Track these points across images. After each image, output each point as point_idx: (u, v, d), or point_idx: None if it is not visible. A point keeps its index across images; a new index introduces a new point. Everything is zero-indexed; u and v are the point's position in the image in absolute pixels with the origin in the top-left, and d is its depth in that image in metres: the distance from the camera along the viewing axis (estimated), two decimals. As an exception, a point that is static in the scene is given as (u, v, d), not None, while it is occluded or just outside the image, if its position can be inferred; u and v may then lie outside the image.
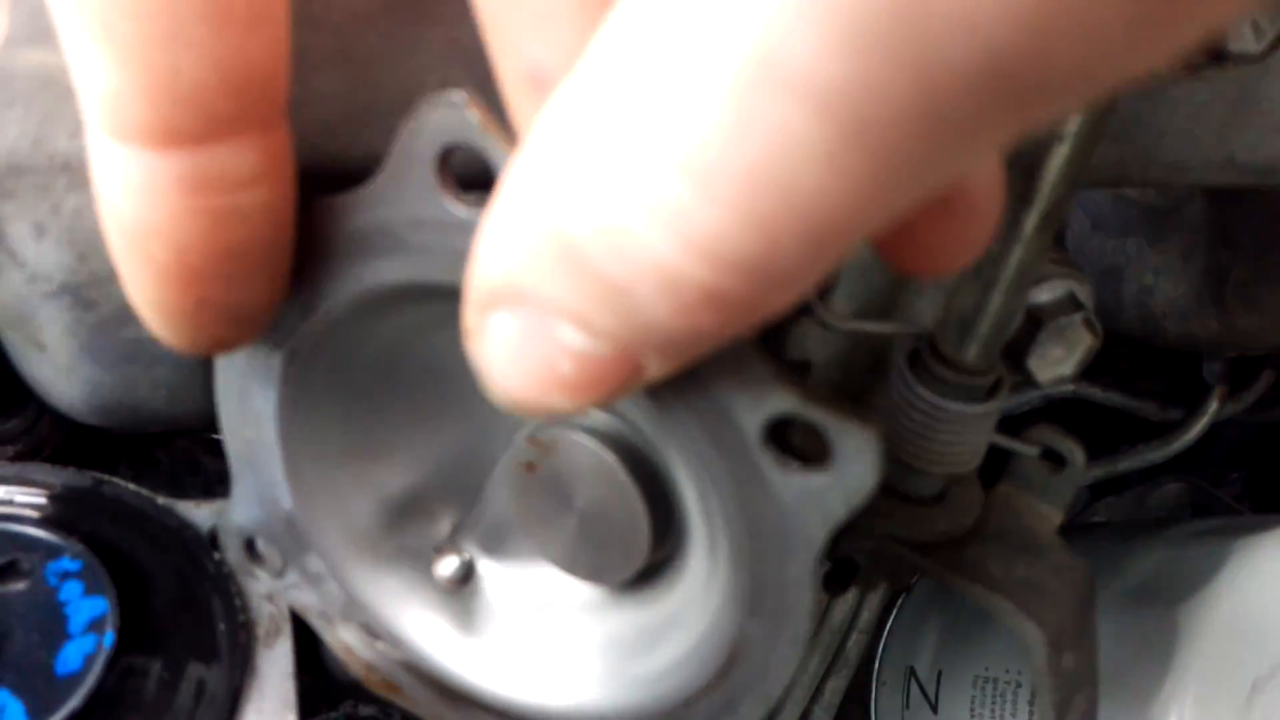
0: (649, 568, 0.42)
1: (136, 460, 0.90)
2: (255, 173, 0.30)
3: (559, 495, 0.41)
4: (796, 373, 0.42)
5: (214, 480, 0.93)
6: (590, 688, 0.44)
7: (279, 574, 0.47)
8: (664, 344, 0.24)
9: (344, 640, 0.48)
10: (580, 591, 0.45)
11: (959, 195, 0.31)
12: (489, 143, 0.30)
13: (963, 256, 0.33)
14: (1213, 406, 0.81)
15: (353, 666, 0.50)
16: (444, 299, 0.34)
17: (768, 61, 0.19)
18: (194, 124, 0.29)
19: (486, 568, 0.46)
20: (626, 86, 0.21)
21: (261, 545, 0.47)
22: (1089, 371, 0.88)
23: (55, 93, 0.41)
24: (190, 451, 0.95)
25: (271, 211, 0.32)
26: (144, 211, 0.30)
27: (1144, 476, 0.97)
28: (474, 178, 0.33)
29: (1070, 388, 0.85)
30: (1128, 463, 0.84)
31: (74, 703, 0.50)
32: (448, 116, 0.31)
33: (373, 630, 0.47)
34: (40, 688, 0.51)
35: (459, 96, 0.30)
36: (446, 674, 0.46)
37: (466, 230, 0.32)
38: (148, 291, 0.33)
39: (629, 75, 0.21)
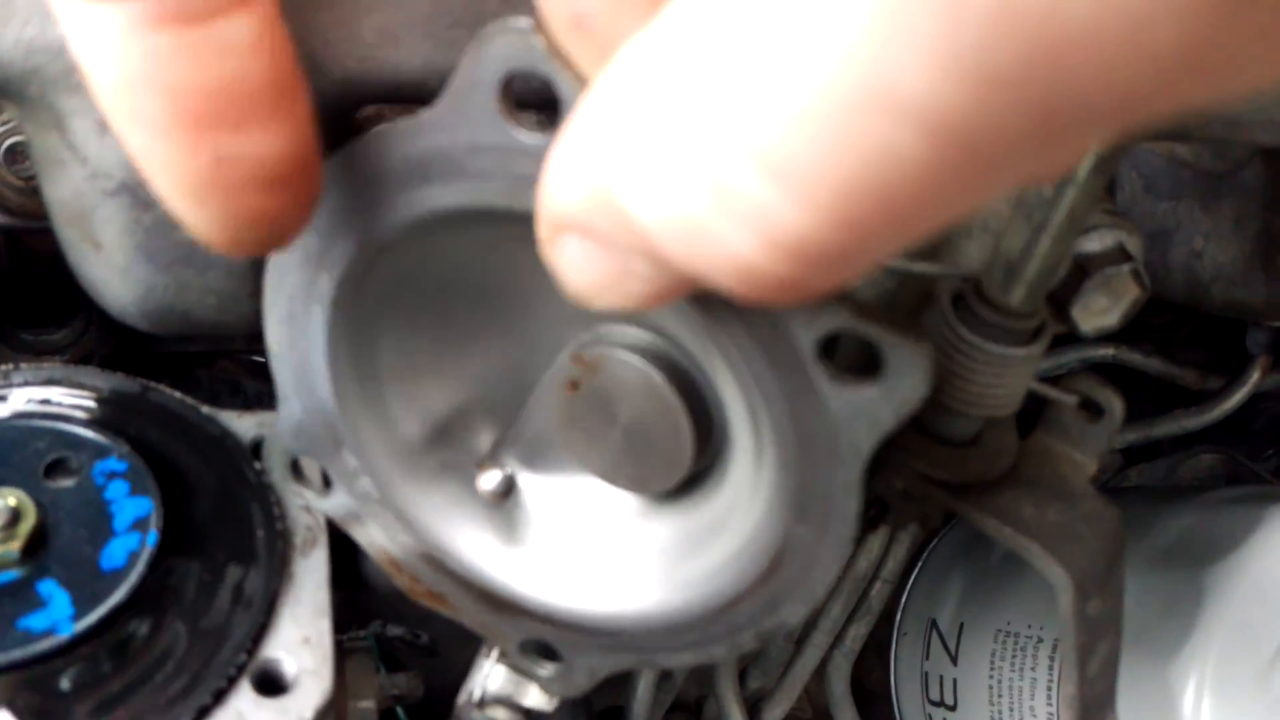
0: (690, 476, 0.43)
1: (179, 378, 0.91)
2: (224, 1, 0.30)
3: (603, 410, 0.42)
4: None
5: (254, 400, 0.94)
6: (635, 591, 0.45)
7: (323, 491, 0.49)
8: (729, 277, 0.24)
9: (388, 551, 0.49)
10: (623, 500, 0.46)
11: None
12: (555, 70, 0.30)
13: None
14: (1254, 377, 0.80)
15: (397, 579, 0.51)
16: (499, 221, 0.35)
17: (876, 84, 0.19)
18: None
19: (528, 481, 0.47)
20: (709, 68, 0.21)
21: (305, 463, 0.48)
22: (1130, 336, 0.88)
23: (125, -11, 0.42)
24: (231, 371, 0.97)
25: (257, 40, 0.31)
26: (122, 62, 0.30)
27: (1179, 445, 0.96)
28: (529, 100, 0.33)
29: (1110, 351, 0.84)
30: (1163, 428, 0.84)
31: (118, 596, 0.52)
32: (513, 43, 0.31)
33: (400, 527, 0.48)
34: (86, 581, 0.52)
35: (525, 22, 0.30)
36: (493, 583, 0.47)
37: (529, 155, 0.32)
38: (157, 158, 0.32)
39: (712, 54, 0.21)
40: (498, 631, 0.49)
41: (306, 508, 0.60)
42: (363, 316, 0.42)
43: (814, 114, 0.20)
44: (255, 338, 0.45)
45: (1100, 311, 0.45)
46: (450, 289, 0.43)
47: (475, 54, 0.32)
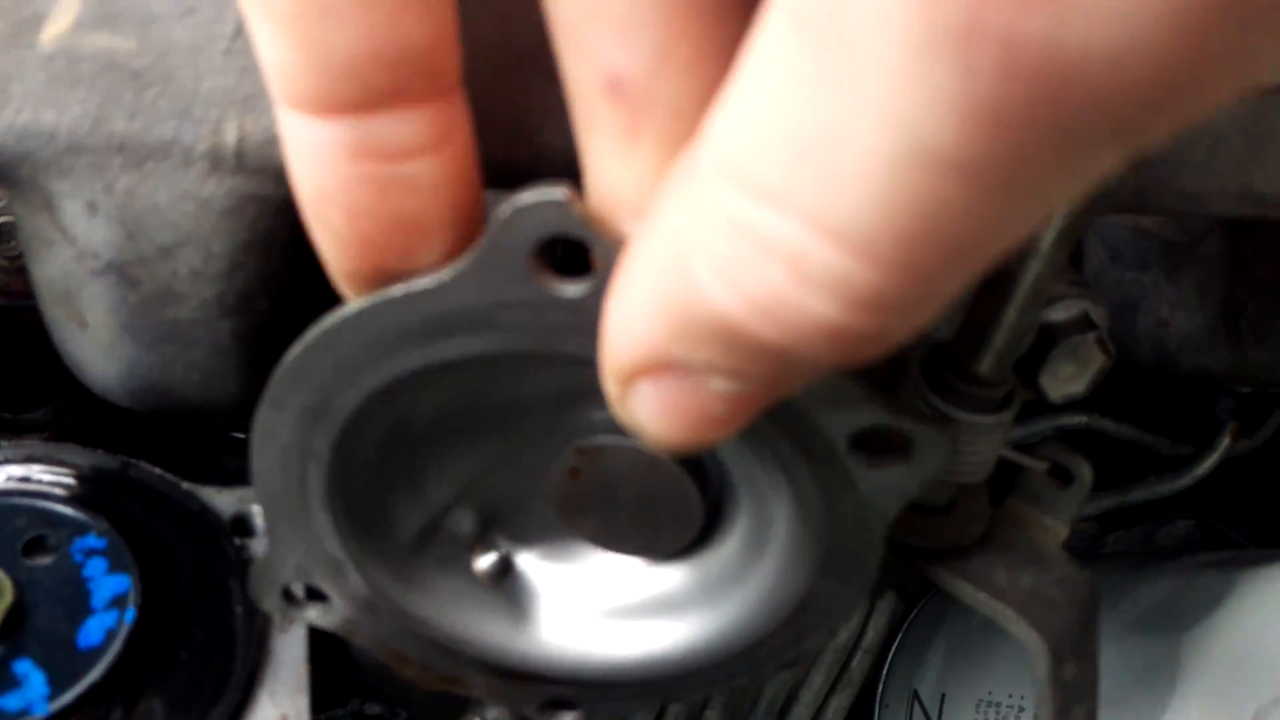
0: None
1: (158, 456, 0.91)
2: (420, 143, 0.31)
3: (605, 492, 0.43)
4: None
5: (233, 477, 0.94)
6: (653, 643, 0.46)
7: (320, 609, 0.48)
8: (811, 374, 0.26)
9: (394, 648, 0.49)
10: (625, 563, 0.47)
11: None
12: (592, 235, 0.31)
13: None
14: (1224, 443, 0.81)
15: (406, 671, 0.51)
16: (516, 360, 0.36)
17: (912, 142, 0.21)
18: (352, 94, 0.30)
19: (524, 558, 0.48)
20: (758, 161, 0.23)
21: (297, 588, 0.48)
22: (1102, 404, 0.89)
23: (117, 76, 0.43)
24: (210, 450, 0.97)
25: (443, 183, 0.33)
26: (317, 177, 0.32)
27: (1154, 512, 0.97)
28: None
29: (1083, 419, 0.85)
30: (1138, 494, 0.85)
31: (94, 675, 0.51)
32: (549, 212, 0.31)
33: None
34: (62, 660, 0.52)
35: (560, 193, 0.31)
36: (508, 659, 0.48)
37: (562, 307, 0.33)
38: (331, 258, 0.35)
39: (761, 152, 0.22)
40: (518, 699, 0.50)
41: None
42: (363, 452, 0.43)
43: (864, 177, 0.21)
44: (236, 413, 0.45)
45: (1068, 379, 0.46)
46: (449, 410, 0.43)
47: (508, 220, 0.32)
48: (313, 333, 0.37)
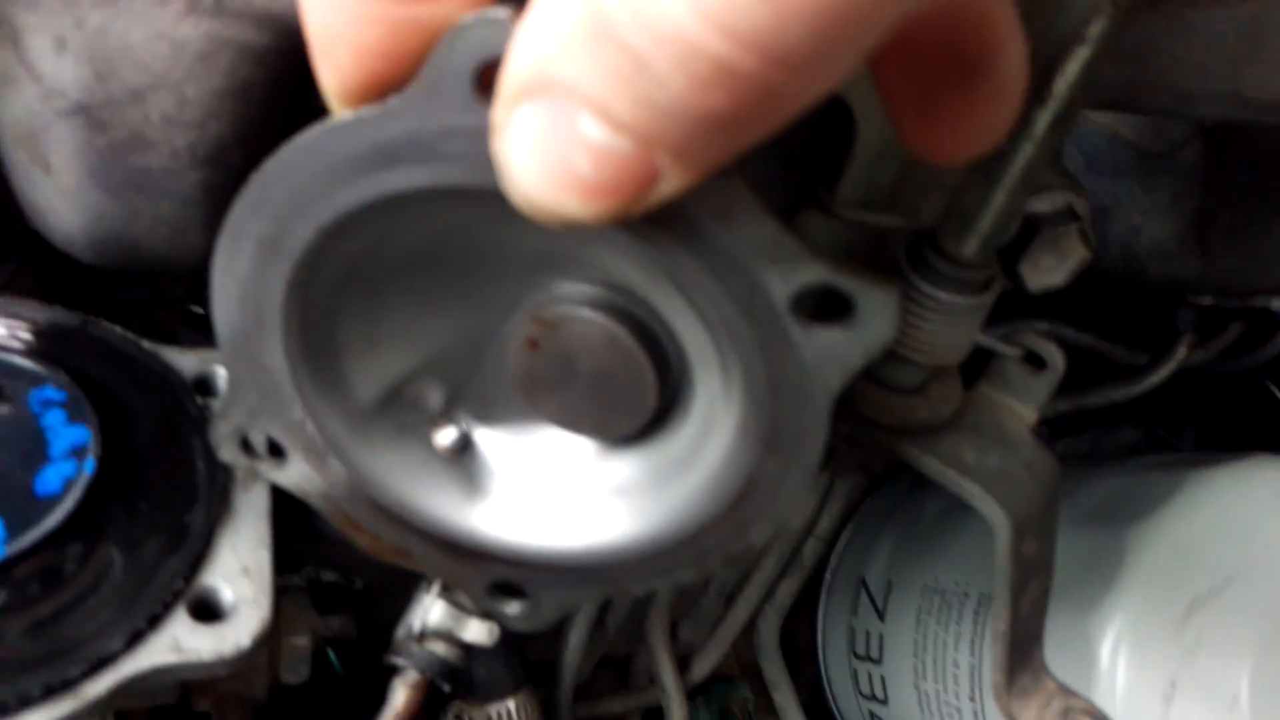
0: (652, 418, 0.44)
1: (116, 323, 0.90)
2: None
3: (563, 366, 0.43)
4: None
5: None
6: (603, 527, 0.46)
7: (277, 463, 0.48)
8: (678, 138, 0.26)
9: (346, 513, 0.49)
10: (578, 446, 0.47)
11: (985, 77, 0.32)
12: None
13: (981, 142, 0.34)
14: (1180, 353, 0.83)
15: (357, 538, 0.51)
16: (463, 197, 0.36)
17: None
18: None
19: (484, 435, 0.48)
20: None
21: (254, 437, 0.48)
22: (1064, 313, 0.90)
23: (93, -100, 0.41)
24: (168, 321, 0.95)
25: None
26: (330, 15, 0.32)
27: (1104, 420, 0.99)
28: None
29: (1045, 325, 0.87)
30: (1092, 399, 0.87)
31: (51, 521, 0.51)
32: (491, 32, 0.31)
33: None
34: (19, 505, 0.52)
35: (502, 13, 0.31)
36: (458, 534, 0.48)
37: None
38: (332, 96, 0.35)
39: None
40: (464, 578, 0.50)
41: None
42: (319, 296, 0.43)
43: None
44: (198, 283, 0.45)
45: (1048, 269, 0.47)
46: (407, 261, 0.43)
47: (450, 43, 0.32)
48: (268, 161, 0.38)
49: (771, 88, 0.24)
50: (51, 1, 0.45)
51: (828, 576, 0.95)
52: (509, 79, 0.28)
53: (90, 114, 0.48)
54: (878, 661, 0.88)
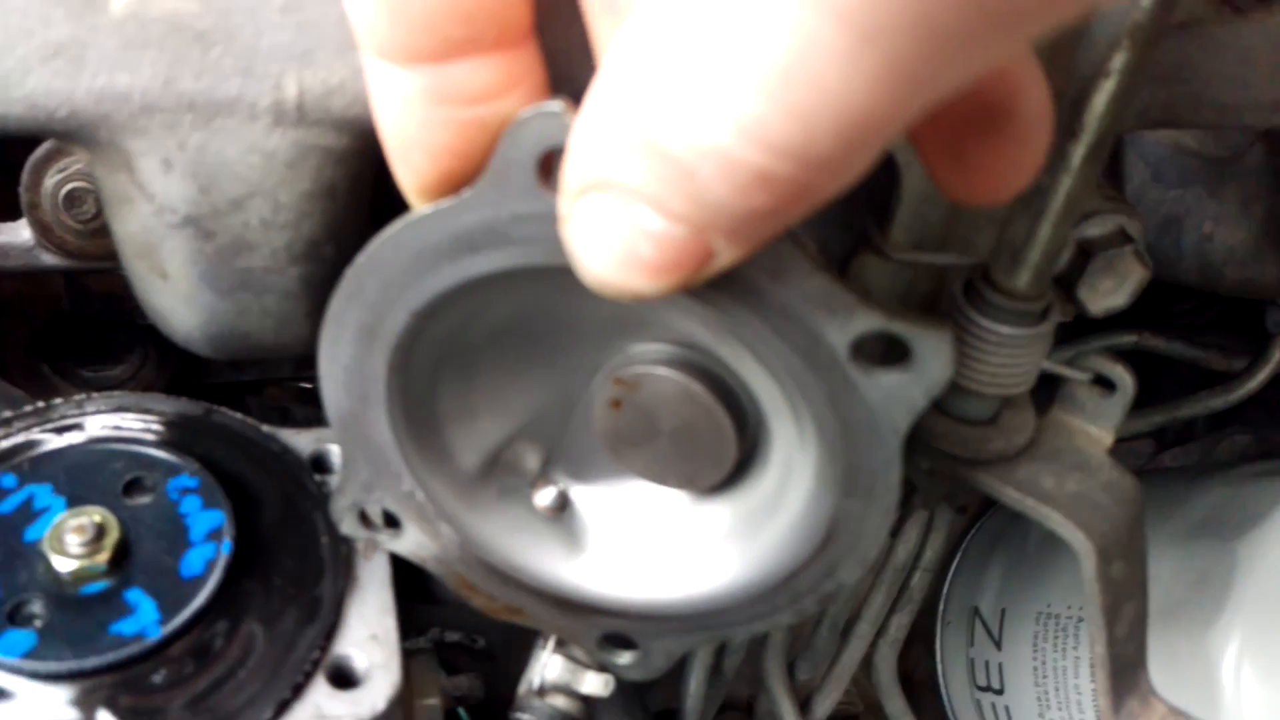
0: (735, 467, 0.46)
1: (231, 406, 0.95)
2: (494, 87, 0.35)
3: (646, 422, 0.46)
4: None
5: (302, 425, 0.98)
6: (701, 575, 0.48)
7: (394, 534, 0.52)
8: (728, 226, 0.28)
9: (463, 576, 0.52)
10: (670, 500, 0.49)
11: (1009, 122, 0.34)
12: None
13: (1015, 183, 0.36)
14: (1277, 355, 0.82)
15: (474, 599, 0.54)
16: (540, 276, 0.39)
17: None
18: (431, 44, 0.34)
19: (580, 493, 0.51)
20: (681, 19, 0.26)
21: (371, 511, 0.51)
22: (1153, 323, 0.89)
23: (185, 37, 0.46)
24: (279, 398, 1.00)
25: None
26: (400, 121, 0.35)
27: (1211, 428, 0.97)
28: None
29: (1133, 339, 0.86)
30: (1189, 409, 0.86)
31: (199, 600, 0.55)
32: (548, 124, 0.34)
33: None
34: (169, 589, 0.55)
35: (557, 105, 0.34)
36: (565, 590, 0.51)
37: None
38: (412, 194, 0.38)
39: (681, 12, 0.26)
40: (575, 632, 0.53)
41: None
42: (417, 374, 0.46)
43: (751, 13, 0.25)
44: (305, 363, 0.48)
45: (1107, 292, 0.48)
46: (493, 336, 0.46)
47: (512, 136, 0.35)
48: (360, 255, 0.41)
49: (806, 186, 0.27)
50: (156, 127, 0.49)
51: (941, 607, 0.95)
52: (571, 176, 0.30)
53: (198, 225, 0.52)
54: (1000, 692, 0.87)
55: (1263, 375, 0.83)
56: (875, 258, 0.49)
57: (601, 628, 0.52)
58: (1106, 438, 0.49)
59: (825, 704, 0.94)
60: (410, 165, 0.37)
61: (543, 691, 0.58)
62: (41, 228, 0.71)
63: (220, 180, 0.51)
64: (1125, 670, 0.49)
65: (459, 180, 0.37)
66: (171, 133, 0.50)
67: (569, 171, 0.30)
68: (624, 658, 0.53)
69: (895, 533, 0.88)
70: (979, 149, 0.35)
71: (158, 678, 0.54)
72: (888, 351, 0.37)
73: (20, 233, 0.73)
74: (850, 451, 0.40)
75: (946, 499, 0.53)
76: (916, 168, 0.46)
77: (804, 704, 0.95)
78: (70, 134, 0.52)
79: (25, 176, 0.71)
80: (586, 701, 0.59)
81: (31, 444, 0.62)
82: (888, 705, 0.94)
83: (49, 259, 0.72)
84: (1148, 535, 0.51)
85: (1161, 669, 0.54)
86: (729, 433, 0.45)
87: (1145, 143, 0.66)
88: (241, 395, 0.97)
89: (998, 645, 0.86)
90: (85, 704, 0.53)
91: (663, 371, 0.45)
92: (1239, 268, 0.68)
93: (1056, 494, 0.47)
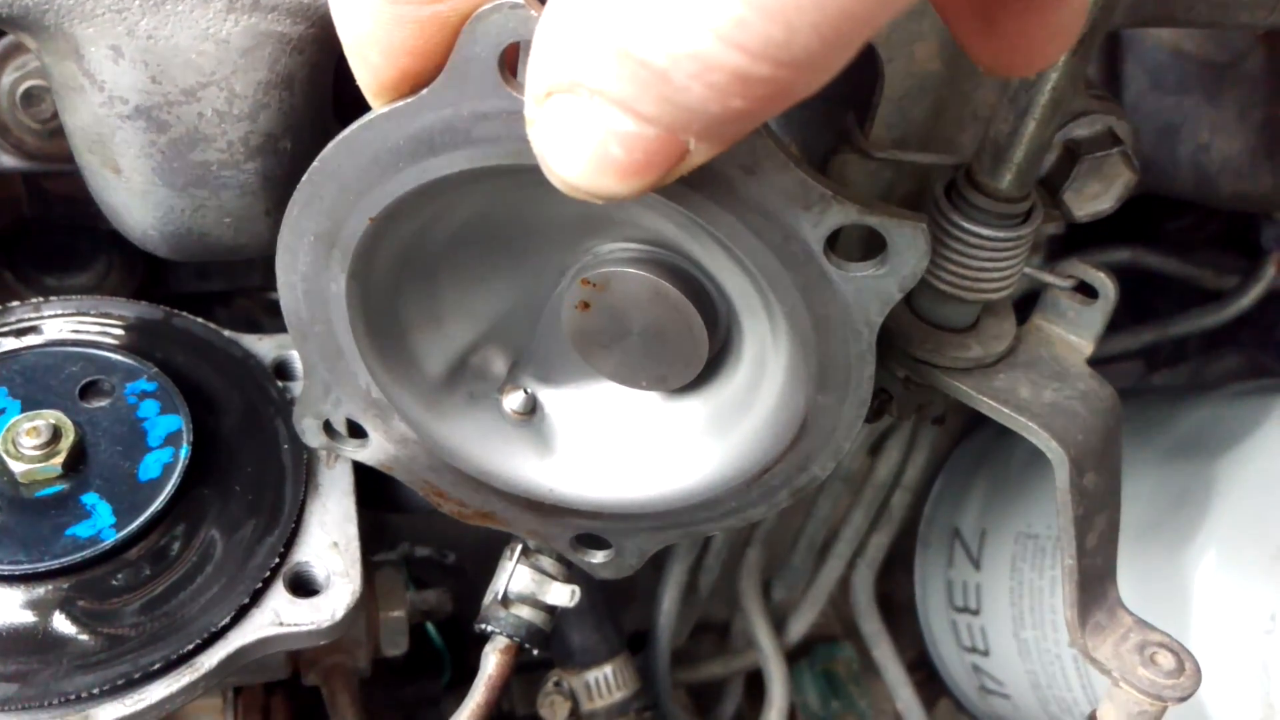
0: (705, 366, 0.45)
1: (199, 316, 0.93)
2: None
3: (615, 323, 0.45)
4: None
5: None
6: (674, 473, 0.48)
7: (359, 443, 0.51)
8: (703, 126, 0.27)
9: (431, 482, 0.51)
10: (641, 398, 0.49)
11: None
12: None
13: (1051, 50, 0.33)
14: (1269, 273, 0.80)
15: (444, 506, 0.53)
16: (503, 176, 0.37)
17: None
18: None
19: (549, 396, 0.50)
20: None
21: (334, 420, 0.50)
22: (1145, 239, 0.88)
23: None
24: (249, 309, 0.98)
25: None
26: (358, 18, 0.34)
27: (1204, 348, 0.96)
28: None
29: (1127, 254, 0.84)
30: (1181, 327, 0.84)
31: (156, 505, 0.54)
32: (511, 17, 0.33)
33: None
34: (125, 493, 0.55)
35: None
36: (537, 492, 0.50)
37: None
38: (370, 93, 0.37)
39: None
40: (549, 534, 0.52)
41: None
42: (378, 280, 0.44)
43: None
44: (271, 271, 0.47)
45: (1093, 196, 0.46)
46: (456, 240, 0.45)
47: (473, 31, 0.33)
48: (316, 161, 0.39)
49: (786, 85, 0.26)
50: (105, 12, 0.47)
51: (922, 528, 0.94)
52: (537, 78, 0.29)
53: (150, 116, 0.50)
54: (976, 612, 0.87)
55: (1255, 292, 0.82)
56: (856, 156, 0.47)
57: (575, 529, 0.52)
58: (1086, 347, 0.48)
59: (801, 625, 0.94)
60: (368, 64, 0.35)
61: (507, 602, 0.57)
62: (-1, 126, 0.69)
63: (172, 69, 0.49)
64: (1093, 582, 0.49)
65: (419, 80, 0.35)
66: (120, 18, 0.48)
67: (534, 72, 0.29)
68: (597, 557, 0.53)
69: (877, 450, 0.87)
70: (1011, 11, 0.32)
71: (114, 581, 0.53)
72: (865, 246, 0.37)
73: (-24, 132, 0.70)
74: (823, 346, 0.39)
75: (922, 409, 0.52)
76: (900, 62, 0.44)
77: (781, 625, 0.95)
78: (15, 20, 0.49)
79: (-21, 73, 0.68)
80: (552, 613, 0.58)
81: (-14, 347, 0.61)
82: (864, 626, 0.94)
83: (8, 160, 0.70)
84: (1131, 454, 0.50)
85: (1133, 586, 0.54)
86: (700, 331, 0.44)
87: (1145, 48, 0.64)
88: (210, 306, 0.96)
89: (976, 566, 0.86)
90: (41, 606, 0.52)
91: (631, 271, 0.43)
92: (1234, 179, 0.66)
93: (1033, 403, 0.46)
